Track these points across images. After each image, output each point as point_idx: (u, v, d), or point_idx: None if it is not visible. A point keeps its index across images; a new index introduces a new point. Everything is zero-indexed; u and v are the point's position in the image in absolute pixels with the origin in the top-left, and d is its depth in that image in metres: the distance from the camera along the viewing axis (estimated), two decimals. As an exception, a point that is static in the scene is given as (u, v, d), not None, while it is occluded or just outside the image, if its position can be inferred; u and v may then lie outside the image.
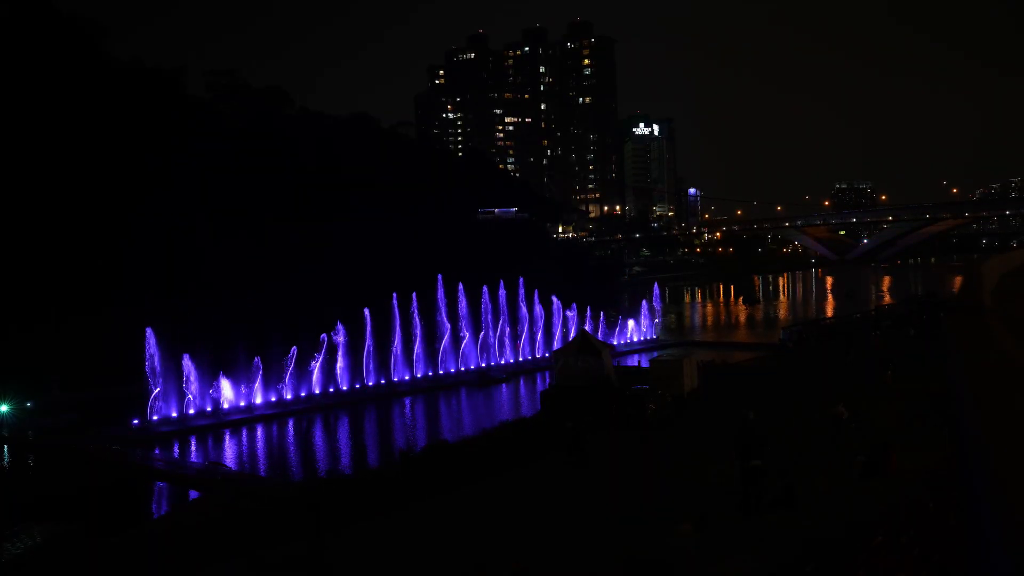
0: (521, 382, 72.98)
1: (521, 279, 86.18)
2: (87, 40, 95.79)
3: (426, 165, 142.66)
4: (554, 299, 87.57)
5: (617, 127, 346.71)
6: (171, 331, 60.51)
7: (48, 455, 50.61)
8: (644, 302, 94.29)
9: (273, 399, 61.93)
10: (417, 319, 74.81)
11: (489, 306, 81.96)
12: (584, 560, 16.67)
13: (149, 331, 56.40)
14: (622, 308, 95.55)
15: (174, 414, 57.76)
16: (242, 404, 60.58)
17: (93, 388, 59.52)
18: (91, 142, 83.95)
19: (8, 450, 53.02)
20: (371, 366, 68.86)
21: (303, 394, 63.44)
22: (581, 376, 50.12)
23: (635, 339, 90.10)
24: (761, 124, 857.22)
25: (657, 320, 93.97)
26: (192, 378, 58.65)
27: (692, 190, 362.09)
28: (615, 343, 77.51)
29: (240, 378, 61.46)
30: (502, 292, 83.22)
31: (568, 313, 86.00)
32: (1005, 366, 7.98)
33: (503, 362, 78.14)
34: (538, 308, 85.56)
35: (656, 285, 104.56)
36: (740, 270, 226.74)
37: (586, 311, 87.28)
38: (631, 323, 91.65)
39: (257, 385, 61.91)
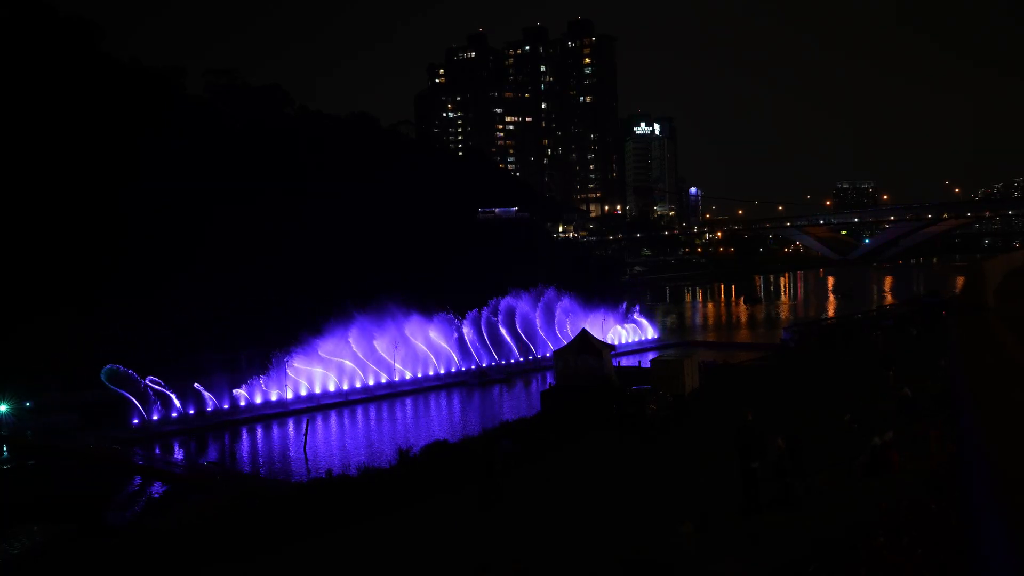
0: (521, 382, 72.90)
1: (521, 279, 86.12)
2: (85, 40, 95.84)
3: (426, 164, 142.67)
4: (554, 297, 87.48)
5: (618, 126, 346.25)
6: (168, 327, 60.56)
7: (48, 455, 50.59)
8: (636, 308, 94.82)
9: (273, 399, 61.90)
10: (416, 318, 74.83)
11: (489, 305, 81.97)
12: (584, 560, 16.60)
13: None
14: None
15: (174, 414, 57.76)
16: (242, 404, 60.56)
17: (93, 388, 59.46)
18: (87, 141, 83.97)
19: (7, 450, 52.99)
20: (371, 366, 68.83)
21: (303, 394, 63.41)
22: (581, 376, 50.11)
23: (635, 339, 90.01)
24: (762, 124, 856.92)
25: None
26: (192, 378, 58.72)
27: (693, 189, 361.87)
28: (615, 343, 77.43)
29: (239, 377, 61.45)
30: (502, 292, 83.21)
31: (569, 312, 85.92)
32: (1006, 365, 7.89)
33: (503, 362, 78.07)
34: (538, 308, 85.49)
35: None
36: (741, 270, 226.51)
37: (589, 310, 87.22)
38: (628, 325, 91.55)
39: (255, 385, 61.96)
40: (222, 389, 60.25)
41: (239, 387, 61.20)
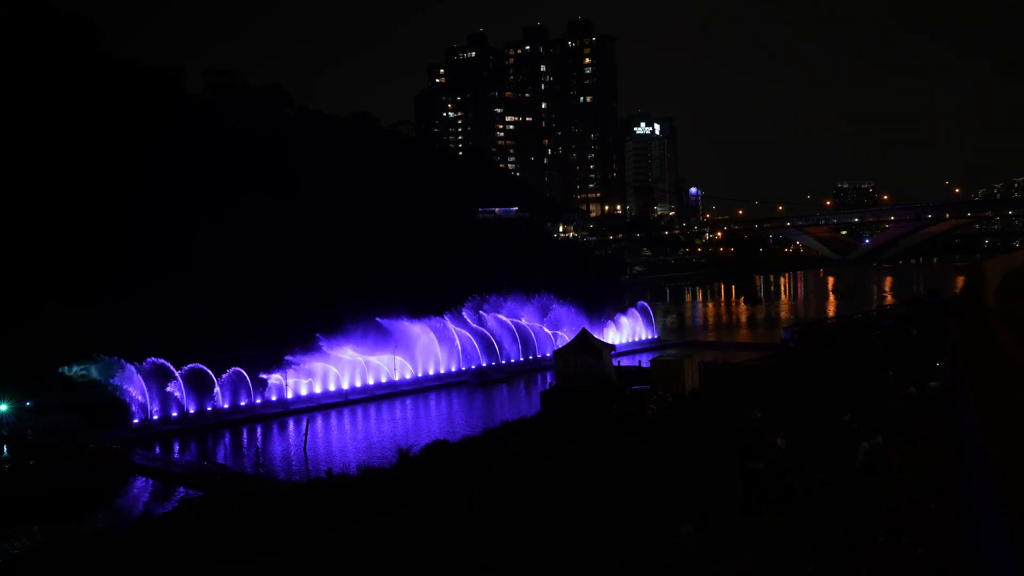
0: (521, 382, 72.91)
1: (521, 279, 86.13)
2: (85, 40, 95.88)
3: (426, 164, 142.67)
4: (554, 298, 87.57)
5: (618, 126, 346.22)
6: (168, 327, 60.71)
7: (48, 455, 50.59)
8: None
9: (273, 399, 61.89)
10: (416, 318, 74.86)
11: (489, 305, 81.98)
12: (584, 560, 16.61)
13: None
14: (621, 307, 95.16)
15: (174, 414, 57.77)
16: (242, 404, 60.57)
17: (93, 387, 59.60)
18: (88, 140, 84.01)
19: (7, 450, 53.00)
20: (372, 365, 68.81)
21: (303, 394, 63.40)
22: (581, 376, 50.12)
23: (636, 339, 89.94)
24: (761, 124, 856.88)
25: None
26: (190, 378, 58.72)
27: (693, 189, 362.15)
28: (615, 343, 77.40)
29: (239, 377, 61.42)
30: (502, 291, 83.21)
31: (569, 312, 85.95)
32: (1006, 365, 7.89)
33: (503, 362, 78.07)
34: (538, 307, 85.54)
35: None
36: (741, 270, 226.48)
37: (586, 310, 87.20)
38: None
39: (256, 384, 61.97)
40: (222, 389, 60.25)
41: (239, 387, 61.18)
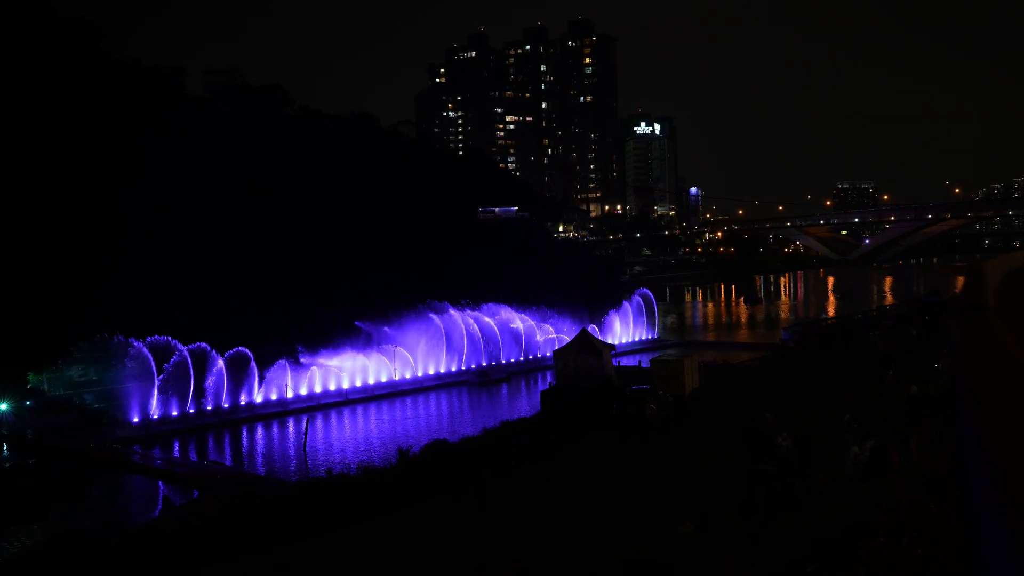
0: (521, 382, 72.90)
1: (521, 278, 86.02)
2: (85, 40, 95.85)
3: (426, 164, 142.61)
4: (554, 298, 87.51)
5: (618, 126, 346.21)
6: (168, 327, 60.85)
7: (48, 454, 50.59)
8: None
9: (273, 398, 61.89)
10: (417, 318, 74.83)
11: (489, 305, 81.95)
12: (584, 560, 16.61)
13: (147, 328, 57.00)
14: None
15: (174, 413, 57.77)
16: (242, 403, 60.57)
17: (93, 386, 59.59)
18: (87, 141, 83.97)
19: (8, 449, 53.01)
20: (372, 365, 68.80)
21: (303, 393, 63.39)
22: (581, 376, 50.14)
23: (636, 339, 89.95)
24: (761, 124, 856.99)
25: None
26: (192, 376, 58.70)
27: (693, 189, 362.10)
28: (615, 343, 77.39)
29: (240, 376, 61.42)
30: (502, 291, 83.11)
31: (568, 312, 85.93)
32: (1006, 365, 7.90)
33: (503, 362, 78.04)
34: (539, 307, 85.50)
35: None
36: (741, 270, 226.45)
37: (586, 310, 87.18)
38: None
39: (257, 383, 61.97)
40: (222, 388, 60.25)
41: (239, 386, 61.19)
